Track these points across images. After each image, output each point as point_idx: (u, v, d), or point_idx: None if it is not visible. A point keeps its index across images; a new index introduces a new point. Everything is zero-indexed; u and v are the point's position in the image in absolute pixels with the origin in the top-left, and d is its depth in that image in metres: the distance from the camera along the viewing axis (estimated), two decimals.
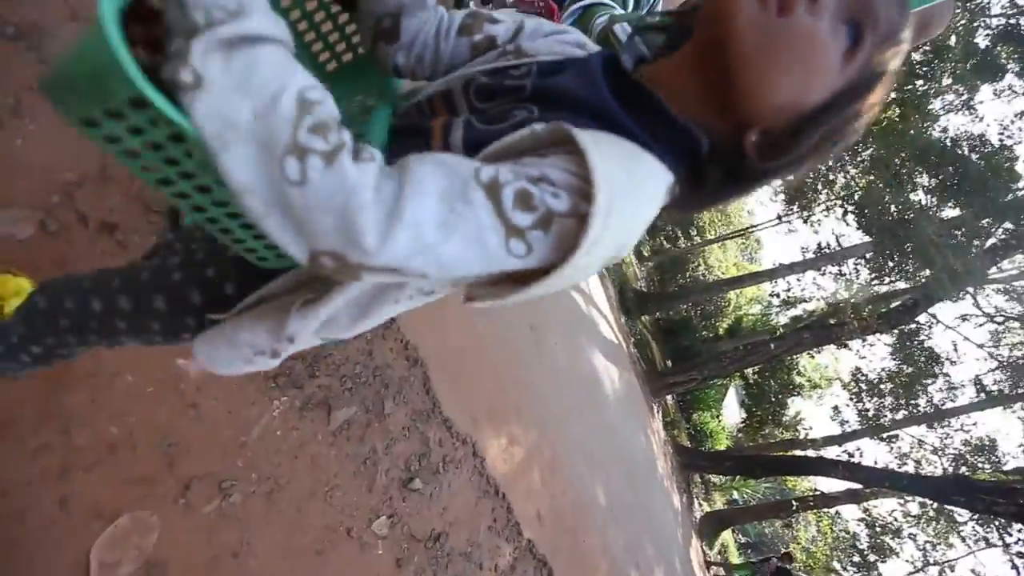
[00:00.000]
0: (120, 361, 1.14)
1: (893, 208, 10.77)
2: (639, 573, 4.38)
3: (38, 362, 0.80)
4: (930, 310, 10.44)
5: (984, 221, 9.53)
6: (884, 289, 11.44)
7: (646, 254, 18.53)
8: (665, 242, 20.43)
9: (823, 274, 13.94)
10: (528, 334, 3.66)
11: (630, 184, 0.43)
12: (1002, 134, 11.32)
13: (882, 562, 13.49)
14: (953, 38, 10.97)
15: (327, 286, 0.53)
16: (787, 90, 0.46)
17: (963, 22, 11.02)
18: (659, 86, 0.50)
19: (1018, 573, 9.11)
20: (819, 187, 13.37)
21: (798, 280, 14.86)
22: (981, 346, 11.91)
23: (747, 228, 21.17)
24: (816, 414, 21.84)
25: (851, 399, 13.68)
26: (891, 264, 10.22)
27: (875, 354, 13.09)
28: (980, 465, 11.14)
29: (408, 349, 2.03)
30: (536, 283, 0.42)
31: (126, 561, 1.05)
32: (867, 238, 11.33)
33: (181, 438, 1.22)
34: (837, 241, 12.60)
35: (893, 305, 9.86)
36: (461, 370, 2.46)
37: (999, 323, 9.26)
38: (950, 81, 11.62)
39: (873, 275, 11.66)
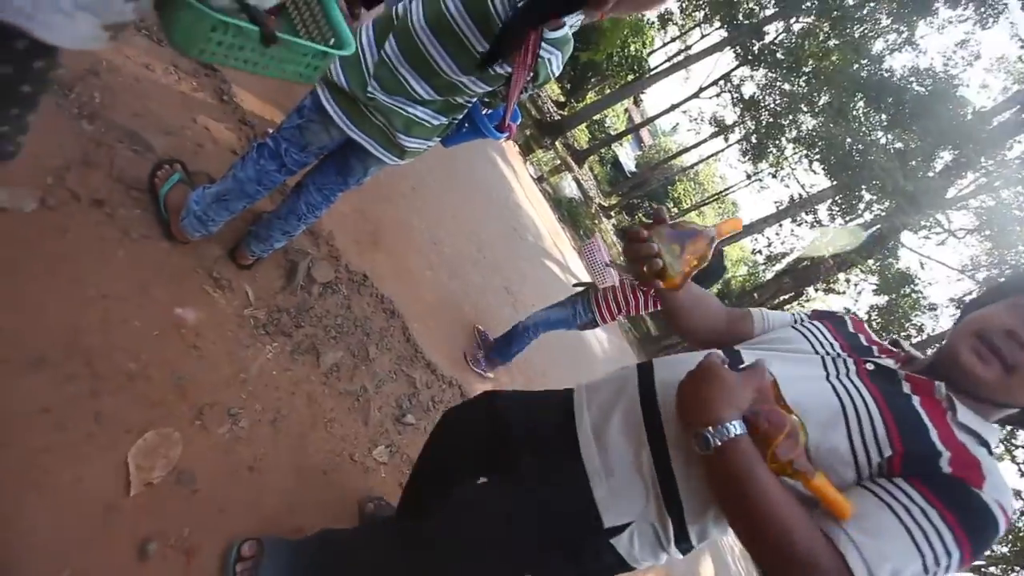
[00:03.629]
0: (127, 309, 1.35)
1: (853, 149, 11.13)
2: None
3: None
4: (901, 239, 10.80)
5: (936, 147, 9.90)
6: (853, 225, 11.79)
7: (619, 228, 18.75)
8: (644, 218, 20.72)
9: (799, 224, 14.33)
10: (504, 296, 3.87)
11: None
12: (946, 64, 11.76)
13: None
14: None
15: None
16: None
17: None
18: None
19: None
20: (782, 142, 13.75)
21: (777, 235, 15.23)
22: (966, 270, 12.26)
23: (720, 192, 21.58)
24: None
25: None
26: (855, 201, 10.59)
27: (861, 293, 13.43)
28: None
29: (384, 303, 2.24)
30: None
31: (158, 468, 1.25)
32: (834, 182, 11.67)
33: (188, 372, 1.42)
34: (804, 190, 12.95)
35: (863, 237, 10.19)
36: (439, 323, 2.67)
37: (960, 238, 9.63)
38: (889, 21, 12.09)
39: (844, 215, 12.00)
